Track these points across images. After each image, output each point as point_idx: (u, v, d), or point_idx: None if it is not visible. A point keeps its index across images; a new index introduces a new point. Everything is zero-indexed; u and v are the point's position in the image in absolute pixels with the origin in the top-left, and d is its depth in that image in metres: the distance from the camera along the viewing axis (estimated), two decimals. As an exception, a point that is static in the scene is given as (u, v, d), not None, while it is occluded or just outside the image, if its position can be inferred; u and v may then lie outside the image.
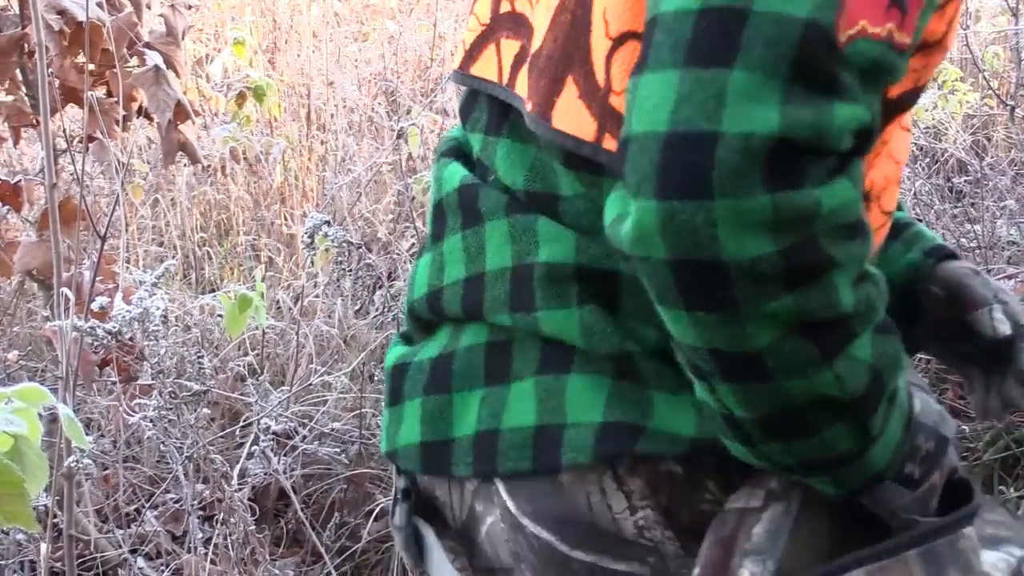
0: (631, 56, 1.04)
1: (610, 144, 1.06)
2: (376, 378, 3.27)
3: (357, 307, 3.82)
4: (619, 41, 1.05)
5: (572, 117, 1.09)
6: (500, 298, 1.16)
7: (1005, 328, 1.30)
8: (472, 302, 1.19)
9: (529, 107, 1.13)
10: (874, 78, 0.94)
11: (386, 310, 3.27)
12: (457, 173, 1.25)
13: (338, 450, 3.04)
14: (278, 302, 3.91)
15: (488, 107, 1.23)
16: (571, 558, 1.14)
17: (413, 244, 4.35)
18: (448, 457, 1.19)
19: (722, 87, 0.88)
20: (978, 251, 3.89)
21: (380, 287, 3.58)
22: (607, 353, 1.11)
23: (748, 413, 1.00)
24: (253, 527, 2.28)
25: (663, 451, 1.09)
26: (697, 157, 0.88)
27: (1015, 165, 4.77)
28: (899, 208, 1.40)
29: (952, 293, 1.33)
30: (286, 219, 4.65)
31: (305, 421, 3.17)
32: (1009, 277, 3.91)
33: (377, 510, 3.02)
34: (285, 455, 3.01)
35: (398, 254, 4.27)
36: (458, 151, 1.29)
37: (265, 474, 2.87)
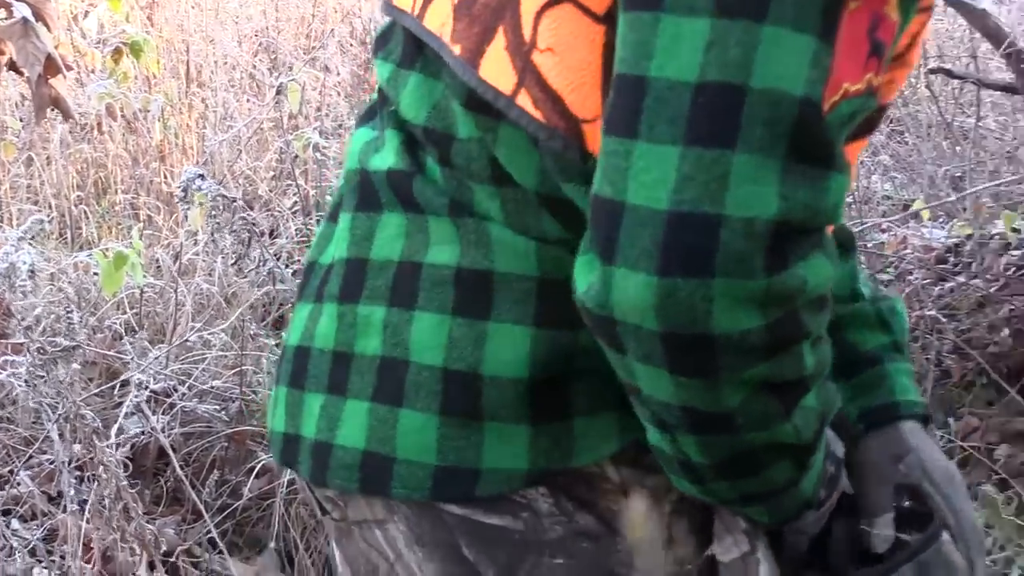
0: (564, 19, 1.05)
1: (524, 101, 1.06)
2: (256, 336, 3.25)
3: (233, 261, 3.78)
4: (555, 0, 1.05)
5: (496, 68, 1.08)
6: (380, 289, 1.16)
7: (882, 546, 1.27)
8: (349, 286, 1.19)
9: (458, 51, 1.12)
10: (849, 127, 0.99)
11: (262, 266, 3.25)
12: (360, 140, 1.25)
13: (218, 408, 3.02)
14: (157, 260, 3.85)
15: (404, 39, 1.21)
16: (444, 511, 1.14)
17: (295, 202, 4.32)
18: (297, 454, 1.20)
19: (725, 169, 0.91)
20: (853, 206, 3.97)
21: (261, 244, 3.54)
22: (456, 371, 1.12)
23: (706, 460, 1.05)
24: (126, 483, 2.26)
25: (499, 491, 1.12)
26: (701, 239, 0.92)
27: (890, 121, 4.87)
28: (877, 301, 1.35)
29: (854, 484, 1.29)
30: (165, 177, 4.58)
31: (184, 379, 3.13)
32: (883, 231, 4.01)
33: (259, 467, 3.01)
34: (164, 413, 2.98)
35: (280, 212, 4.24)
36: (371, 112, 1.28)
37: (143, 433, 2.84)
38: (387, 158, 1.19)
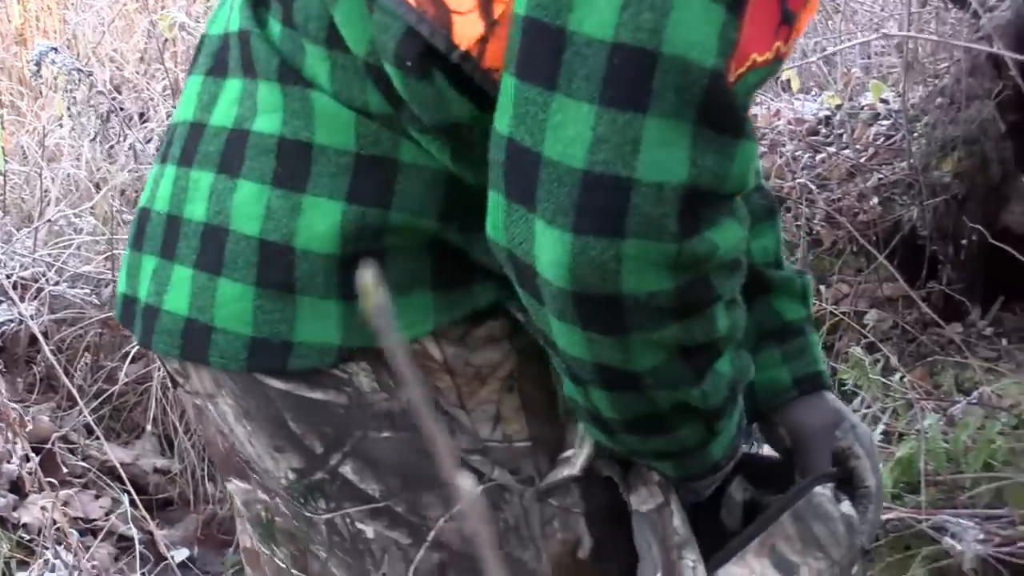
0: None
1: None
2: (127, 221, 3.19)
3: (92, 136, 3.67)
4: None
5: None
6: (211, 155, 1.16)
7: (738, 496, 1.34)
8: (186, 150, 1.19)
9: None
10: (755, 94, 1.02)
11: (131, 149, 3.17)
12: (224, 5, 1.23)
13: (89, 292, 2.96)
14: (23, 147, 3.74)
15: None
16: (267, 385, 1.16)
17: (165, 86, 4.21)
18: (133, 316, 1.21)
19: (637, 133, 0.94)
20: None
21: (126, 125, 3.45)
22: (272, 242, 1.12)
23: (616, 416, 1.09)
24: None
25: (312, 365, 1.14)
26: (614, 201, 0.95)
27: None
28: (800, 275, 1.37)
29: (794, 447, 1.33)
30: (27, 62, 4.43)
31: (53, 264, 3.06)
32: (756, 104, 4.04)
33: (134, 352, 2.97)
34: (33, 299, 2.91)
35: (151, 95, 4.13)
36: None
37: (12, 320, 2.78)
38: (236, 19, 1.18)
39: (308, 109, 1.12)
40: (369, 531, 1.20)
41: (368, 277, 0.40)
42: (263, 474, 1.23)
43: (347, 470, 1.18)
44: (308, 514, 1.23)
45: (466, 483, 0.40)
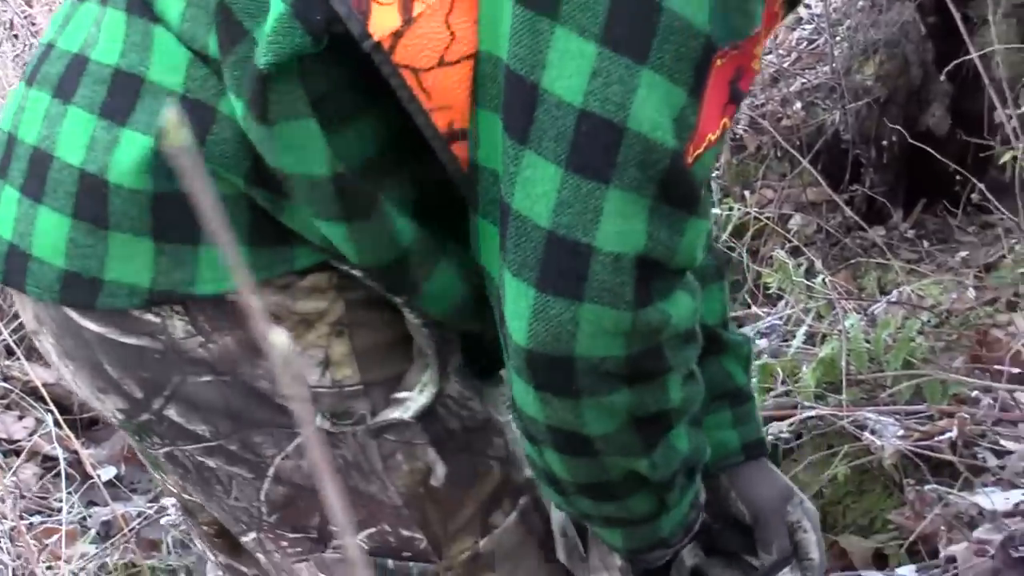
0: None
1: None
2: None
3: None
4: None
5: None
6: (51, 77, 1.15)
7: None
8: (35, 69, 1.18)
9: None
10: (710, 170, 1.08)
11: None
12: None
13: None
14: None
15: None
16: (83, 327, 1.15)
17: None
18: None
19: (599, 203, 0.99)
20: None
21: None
22: (90, 173, 1.11)
23: (569, 478, 1.13)
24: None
25: (122, 305, 1.13)
26: (575, 265, 1.00)
27: None
28: (746, 340, 1.40)
29: (753, 522, 1.36)
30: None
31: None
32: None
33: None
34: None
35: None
36: None
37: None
38: None
39: (148, 43, 1.11)
40: (210, 463, 1.21)
41: (171, 116, 0.38)
42: (101, 409, 1.24)
43: (171, 413, 1.18)
44: (147, 449, 1.25)
45: (279, 338, 0.39)
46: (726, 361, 1.36)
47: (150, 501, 2.54)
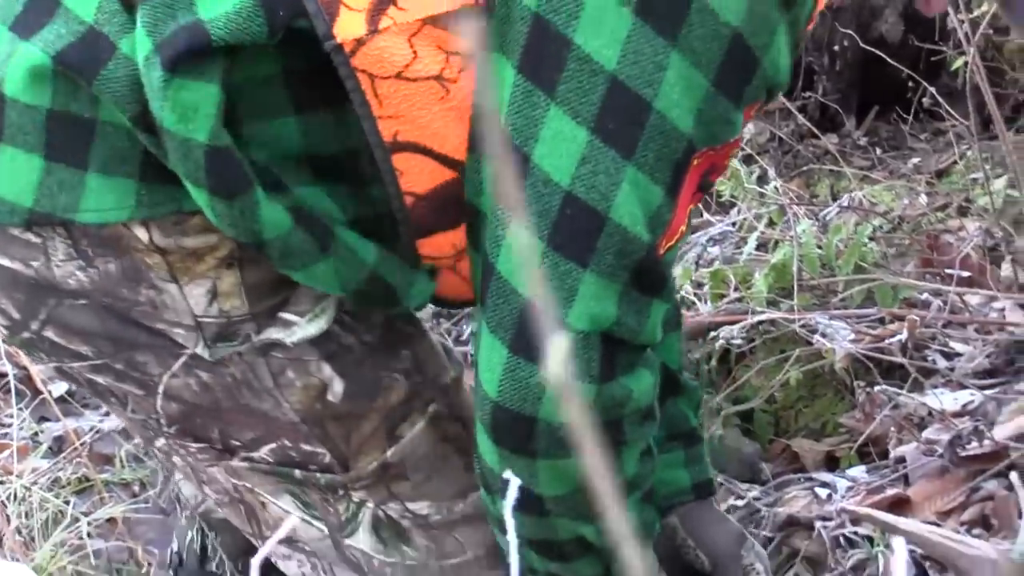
0: None
1: None
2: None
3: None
4: None
5: None
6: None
7: None
8: None
9: None
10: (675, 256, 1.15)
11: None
12: None
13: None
14: None
15: None
16: None
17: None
18: None
19: (575, 284, 1.05)
20: None
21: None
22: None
23: (520, 531, 1.17)
24: None
25: (4, 221, 1.13)
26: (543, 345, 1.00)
27: None
28: (698, 386, 1.47)
29: (712, 569, 1.43)
30: None
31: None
32: None
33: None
34: None
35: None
36: None
37: None
38: None
39: None
40: (100, 379, 1.21)
41: None
42: None
43: (50, 334, 1.19)
44: (37, 363, 1.26)
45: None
46: (682, 403, 1.42)
47: (103, 415, 2.52)
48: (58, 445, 2.46)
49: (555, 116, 1.03)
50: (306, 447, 1.22)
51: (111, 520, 2.21)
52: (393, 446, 1.24)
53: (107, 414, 2.55)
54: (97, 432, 2.43)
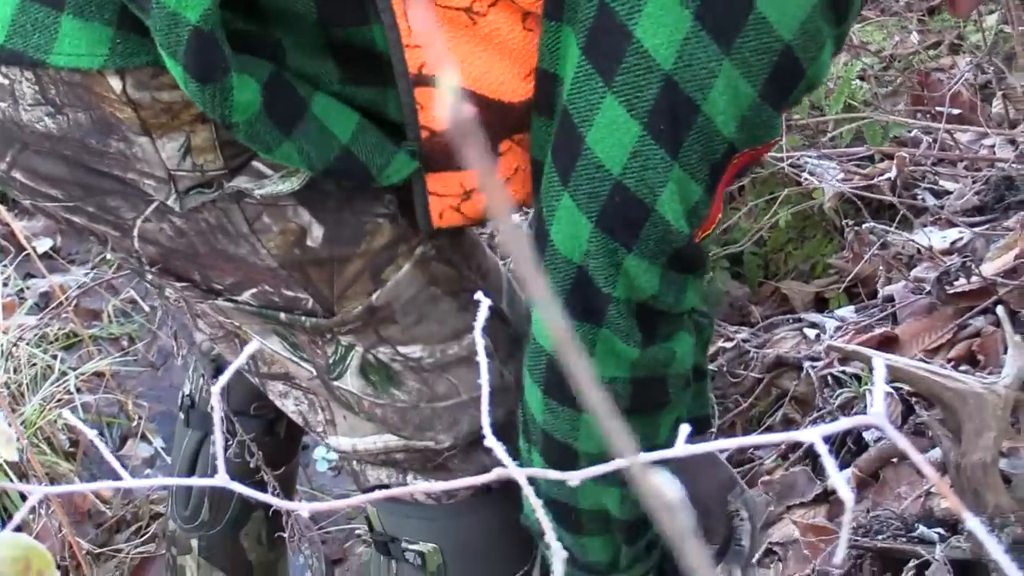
0: None
1: None
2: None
3: None
4: None
5: None
6: None
7: None
8: None
9: None
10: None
11: None
12: None
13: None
14: None
15: None
16: None
17: None
18: None
19: (620, 261, 1.10)
20: None
21: None
22: None
23: (543, 486, 1.20)
24: None
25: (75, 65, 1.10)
26: (595, 304, 1.12)
27: None
28: (709, 322, 1.44)
29: (698, 516, 1.43)
30: None
31: None
32: None
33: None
34: None
35: None
36: None
37: None
38: None
39: None
40: (75, 219, 1.21)
41: None
42: None
43: (18, 176, 1.19)
44: (14, 199, 1.26)
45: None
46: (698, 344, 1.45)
47: (93, 268, 2.51)
48: (44, 301, 2.46)
49: (611, 105, 1.07)
50: (288, 292, 1.21)
51: (99, 374, 2.21)
52: (378, 290, 1.23)
53: (94, 268, 2.54)
54: (82, 287, 2.43)
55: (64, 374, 2.13)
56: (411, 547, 1.35)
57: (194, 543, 1.63)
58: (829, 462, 0.41)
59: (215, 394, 0.44)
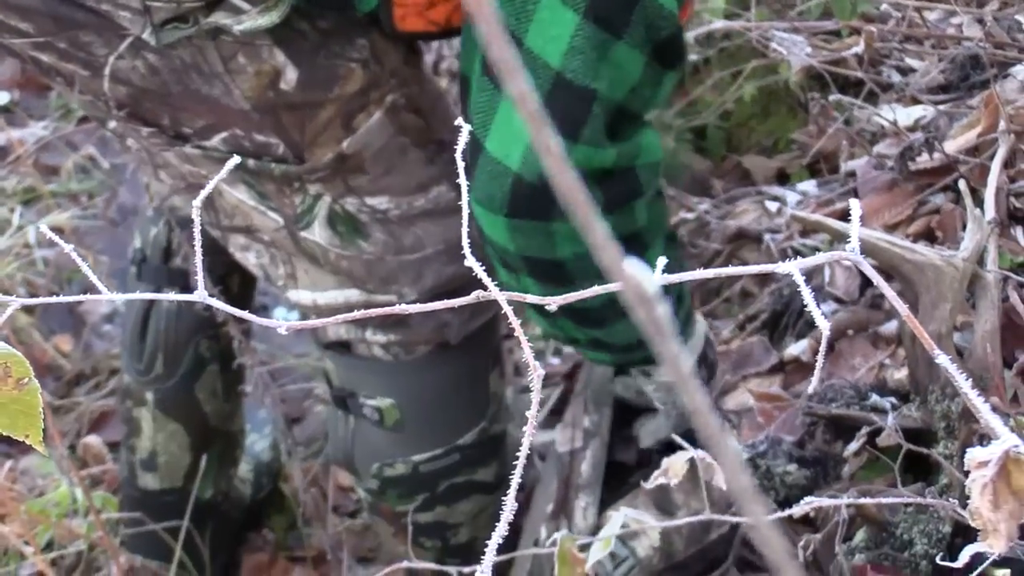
0: None
1: None
2: None
3: None
4: None
5: None
6: None
7: (646, 442, 1.46)
8: None
9: None
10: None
11: None
12: None
13: None
14: None
15: None
16: None
17: None
18: None
19: (606, 53, 1.07)
20: None
21: None
22: None
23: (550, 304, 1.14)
24: None
25: None
26: (576, 110, 1.08)
27: None
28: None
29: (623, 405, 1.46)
30: None
31: None
32: None
33: None
34: None
35: None
36: None
37: None
38: None
39: None
40: (44, 58, 1.19)
41: None
42: None
43: None
44: None
45: None
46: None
47: (47, 125, 2.48)
48: (2, 155, 2.43)
49: None
50: (259, 136, 1.20)
51: (59, 229, 2.20)
52: (349, 137, 1.23)
53: (54, 124, 2.51)
54: (41, 142, 2.40)
55: (22, 227, 2.11)
56: (369, 402, 1.36)
57: (149, 396, 1.63)
58: (806, 292, 0.42)
59: (195, 208, 0.44)
